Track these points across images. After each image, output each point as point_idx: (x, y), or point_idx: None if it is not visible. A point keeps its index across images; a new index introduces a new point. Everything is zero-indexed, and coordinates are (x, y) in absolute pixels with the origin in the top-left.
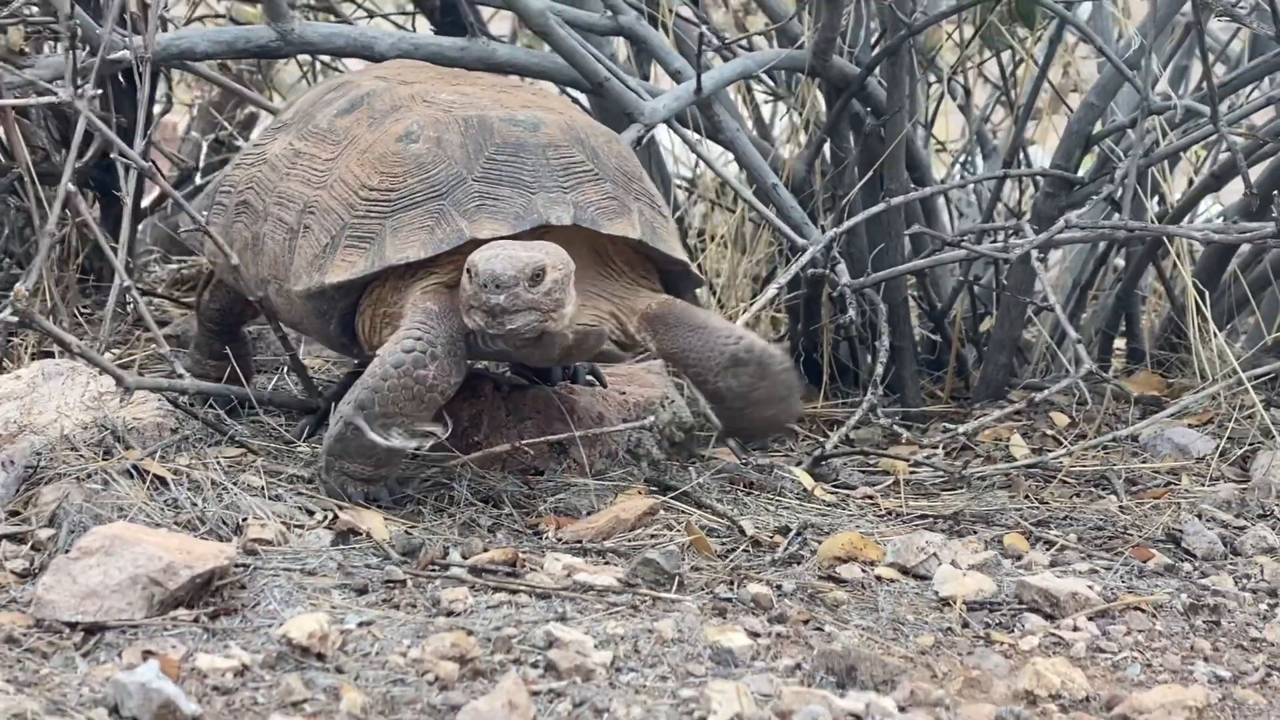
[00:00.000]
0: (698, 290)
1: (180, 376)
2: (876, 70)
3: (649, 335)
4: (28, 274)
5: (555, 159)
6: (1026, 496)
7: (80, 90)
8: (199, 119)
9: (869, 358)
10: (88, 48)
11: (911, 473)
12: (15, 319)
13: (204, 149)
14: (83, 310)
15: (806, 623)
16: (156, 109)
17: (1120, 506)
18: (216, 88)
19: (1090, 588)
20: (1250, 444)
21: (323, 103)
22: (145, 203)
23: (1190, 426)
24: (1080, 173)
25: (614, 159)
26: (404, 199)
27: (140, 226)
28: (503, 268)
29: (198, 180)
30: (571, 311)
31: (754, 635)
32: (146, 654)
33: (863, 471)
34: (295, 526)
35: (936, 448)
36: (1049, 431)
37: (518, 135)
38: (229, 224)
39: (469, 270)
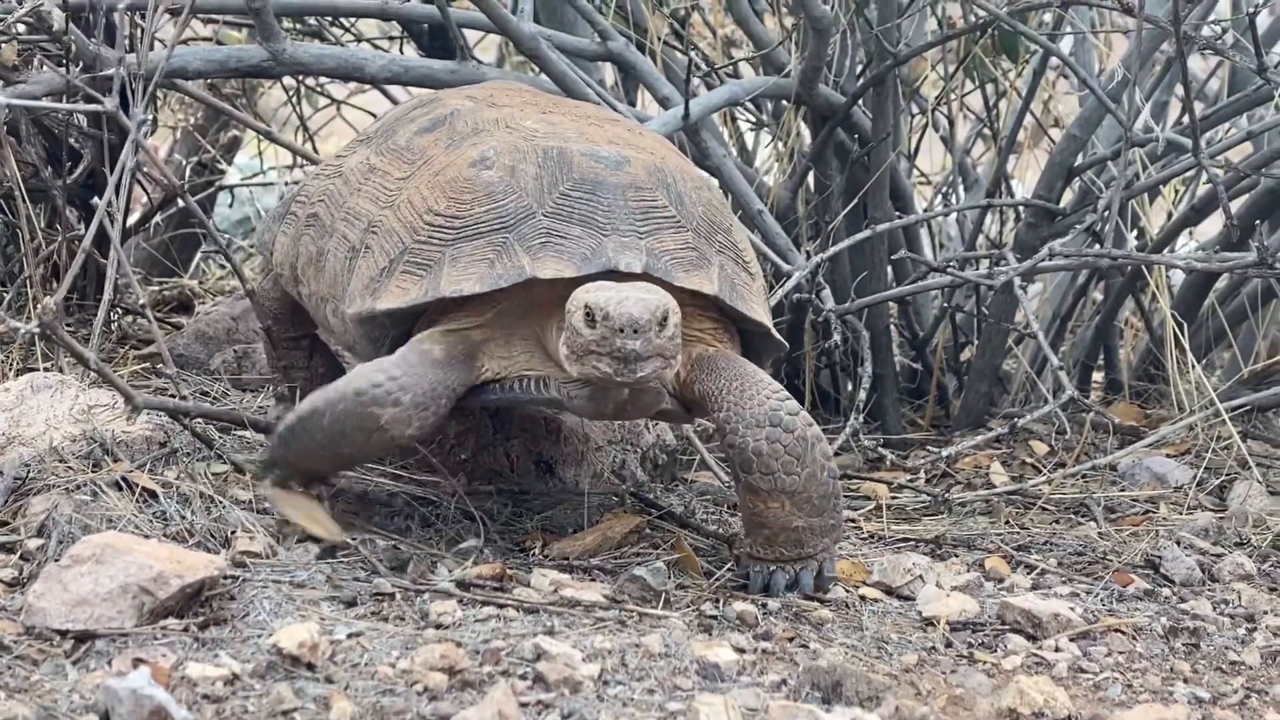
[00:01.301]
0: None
1: (184, 397)
2: (861, 100)
3: (695, 376)
4: (61, 284)
5: (635, 200)
6: (1007, 522)
7: (134, 109)
8: (182, 142)
9: (850, 385)
10: (81, 65)
11: (893, 498)
12: (39, 330)
13: (186, 172)
14: (67, 328)
15: (792, 640)
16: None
17: (1100, 533)
18: (198, 113)
19: (1072, 610)
20: (1227, 474)
21: (407, 119)
22: (129, 222)
23: (1168, 456)
24: (1061, 206)
25: (701, 207)
26: (468, 228)
27: (123, 257)
28: (639, 311)
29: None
30: (682, 359)
31: (740, 651)
32: (137, 661)
33: (845, 495)
34: (283, 540)
35: (918, 471)
36: (1028, 460)
37: (598, 172)
38: (298, 235)
39: (588, 312)
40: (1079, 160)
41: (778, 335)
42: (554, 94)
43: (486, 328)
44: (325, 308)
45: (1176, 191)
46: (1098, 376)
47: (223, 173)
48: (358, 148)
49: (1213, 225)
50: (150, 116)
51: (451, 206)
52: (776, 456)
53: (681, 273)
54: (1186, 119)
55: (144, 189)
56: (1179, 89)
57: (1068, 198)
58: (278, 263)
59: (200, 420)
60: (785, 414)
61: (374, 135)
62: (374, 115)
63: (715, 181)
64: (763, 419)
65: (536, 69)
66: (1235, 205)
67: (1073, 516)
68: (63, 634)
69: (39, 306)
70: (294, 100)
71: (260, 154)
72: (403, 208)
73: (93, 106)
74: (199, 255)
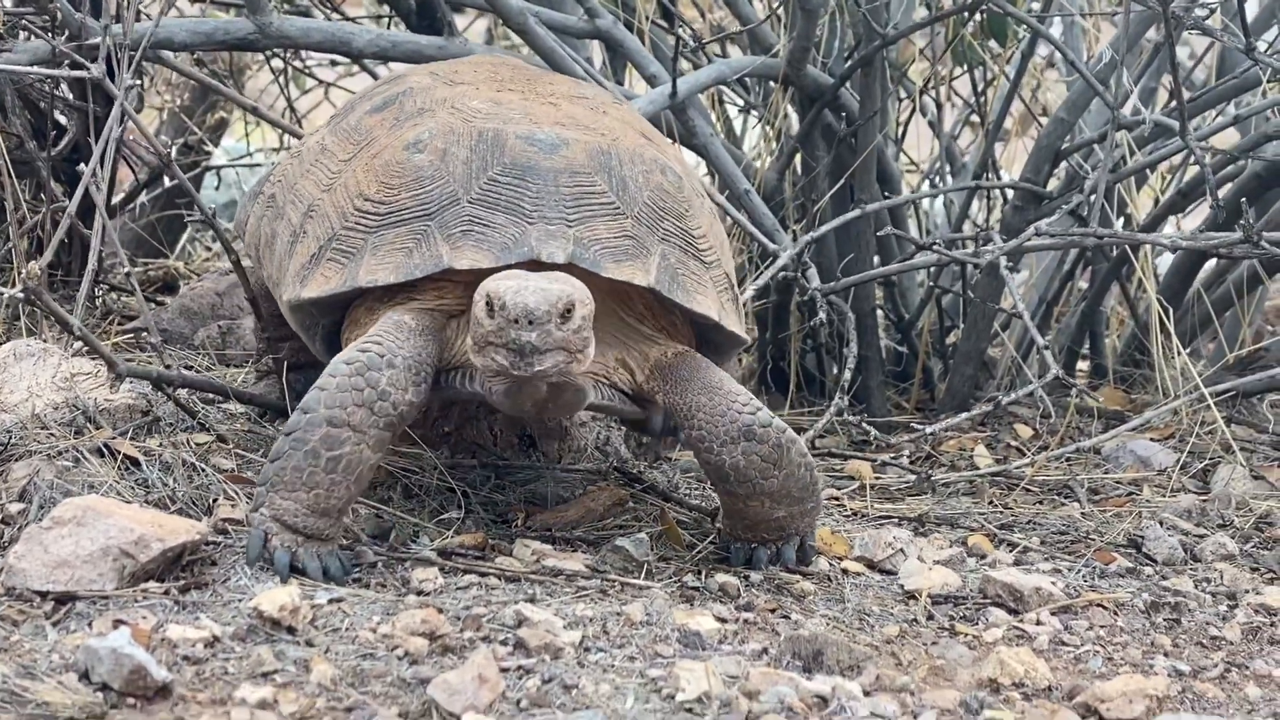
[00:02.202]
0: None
1: (168, 366)
2: (849, 81)
3: (658, 386)
4: (44, 253)
5: (568, 186)
6: (990, 502)
7: (120, 78)
8: (168, 123)
9: (835, 367)
10: (66, 34)
11: (876, 477)
12: (23, 296)
13: (173, 152)
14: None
15: (773, 611)
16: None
17: (1083, 513)
18: (185, 94)
19: (1054, 585)
20: (1211, 458)
21: (366, 96)
22: (115, 200)
23: (1152, 440)
24: (1048, 189)
25: (649, 191)
26: (392, 214)
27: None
28: (536, 301)
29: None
30: (593, 354)
31: (722, 621)
32: (117, 623)
33: (829, 475)
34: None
35: (903, 450)
36: (1012, 443)
37: (530, 156)
38: (260, 216)
39: (489, 302)
40: (1066, 144)
41: (732, 328)
42: (540, 70)
43: (438, 314)
44: (276, 291)
45: (1163, 178)
46: (1083, 365)
47: (209, 154)
48: (321, 128)
49: (1196, 219)
50: (137, 83)
51: (381, 191)
52: (754, 468)
53: (611, 263)
54: (1174, 102)
55: (130, 166)
56: (1166, 78)
57: (1055, 183)
58: (247, 243)
59: (183, 389)
60: (758, 427)
61: (338, 113)
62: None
63: (686, 164)
64: (736, 435)
65: (526, 47)
66: (1222, 191)
67: (1056, 497)
68: (43, 595)
69: (23, 273)
70: (281, 82)
71: (247, 136)
72: (338, 191)
73: (78, 73)
74: (185, 236)
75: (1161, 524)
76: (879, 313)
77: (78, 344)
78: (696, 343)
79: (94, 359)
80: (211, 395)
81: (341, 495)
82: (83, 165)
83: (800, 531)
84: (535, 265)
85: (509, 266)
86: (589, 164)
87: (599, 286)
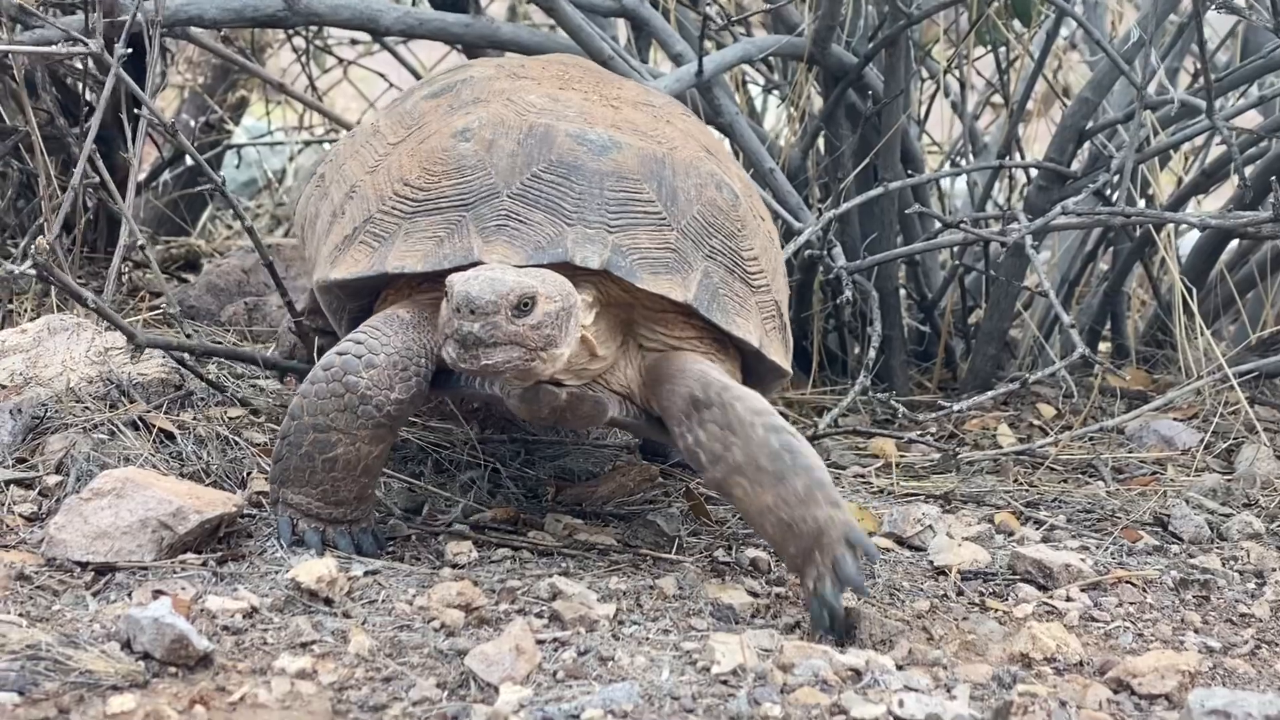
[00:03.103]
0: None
1: (189, 336)
2: (873, 61)
3: (649, 390)
4: (49, 226)
5: (613, 190)
6: (1015, 480)
7: (116, 50)
8: (189, 102)
9: (858, 346)
10: (98, 9)
11: (901, 455)
12: (34, 271)
13: (195, 132)
14: (78, 281)
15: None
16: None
17: (1108, 491)
18: (206, 73)
19: (1082, 561)
20: (1234, 438)
21: (428, 82)
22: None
23: (1175, 420)
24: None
25: (699, 205)
26: (430, 202)
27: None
28: (480, 290)
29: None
30: (567, 355)
31: (754, 595)
32: (157, 594)
33: (854, 452)
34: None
35: (928, 428)
36: (1035, 423)
37: (578, 155)
38: (309, 196)
39: (446, 292)
40: (1090, 124)
41: (773, 357)
42: (614, 75)
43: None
44: (314, 273)
45: (1186, 159)
46: (1104, 346)
47: (230, 133)
48: (381, 109)
49: (1218, 201)
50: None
51: (422, 177)
52: (714, 439)
53: (648, 274)
54: (1200, 81)
55: (155, 144)
56: (1189, 60)
57: (1077, 164)
58: (295, 223)
59: (205, 358)
60: (699, 391)
61: (398, 98)
62: (382, 76)
63: (750, 184)
64: (687, 408)
65: (552, 24)
66: (1248, 170)
67: (1080, 476)
68: (83, 566)
69: (33, 246)
70: (303, 60)
71: (268, 115)
72: (380, 174)
73: (76, 50)
74: (206, 214)
75: (1187, 503)
76: (902, 292)
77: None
78: (742, 376)
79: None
80: (241, 370)
81: (350, 488)
82: (131, 130)
83: (831, 545)
84: (569, 269)
85: (541, 267)
86: (639, 170)
87: (637, 299)
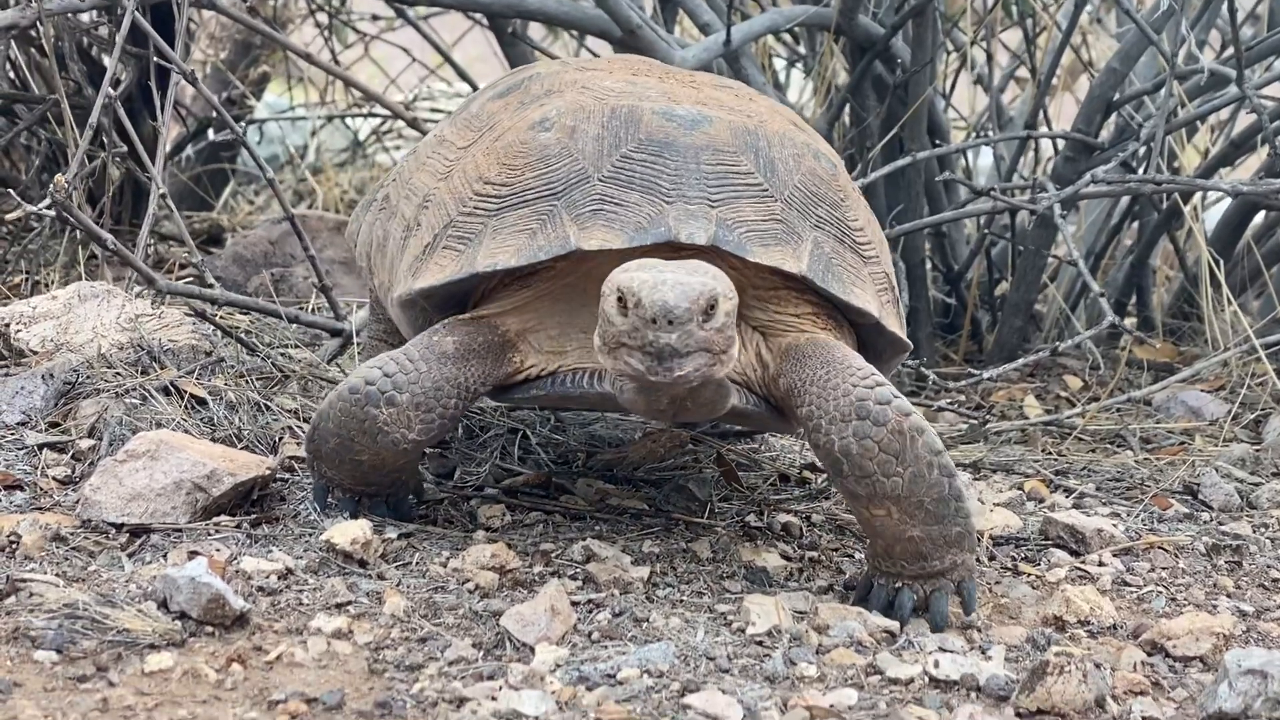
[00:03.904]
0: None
1: (210, 285)
2: (900, 32)
3: (781, 370)
4: (69, 169)
5: (710, 164)
6: (1044, 450)
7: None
8: (211, 78)
9: None
10: None
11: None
12: (52, 211)
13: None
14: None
15: (837, 550)
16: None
17: (1137, 461)
18: (228, 48)
19: (1114, 527)
20: (1262, 409)
21: (489, 87)
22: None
23: (1203, 392)
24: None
25: (800, 175)
26: (515, 196)
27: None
28: (676, 298)
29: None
30: (736, 354)
31: (786, 559)
32: (192, 554)
33: None
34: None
35: (956, 397)
36: (1062, 394)
37: (668, 131)
38: (373, 220)
39: (620, 298)
40: (1118, 95)
41: (894, 329)
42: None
43: (528, 314)
44: (387, 298)
45: (1212, 132)
46: (1129, 320)
47: (251, 109)
48: (441, 121)
49: (1245, 174)
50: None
51: (503, 174)
52: (869, 456)
53: (759, 247)
54: (1229, 51)
55: (180, 119)
56: (1214, 33)
57: (1104, 135)
58: (359, 254)
59: (229, 309)
60: (874, 404)
61: (458, 108)
62: (405, 51)
63: (837, 156)
64: (848, 413)
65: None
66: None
67: (1109, 446)
68: (118, 527)
69: (51, 185)
70: (326, 35)
71: (290, 90)
72: (455, 178)
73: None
74: (229, 189)
75: (1216, 471)
76: (928, 264)
77: (139, 285)
78: (858, 348)
79: (150, 298)
80: (270, 338)
81: (383, 477)
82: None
83: (951, 573)
84: (672, 250)
85: (644, 250)
86: (733, 142)
87: (746, 275)
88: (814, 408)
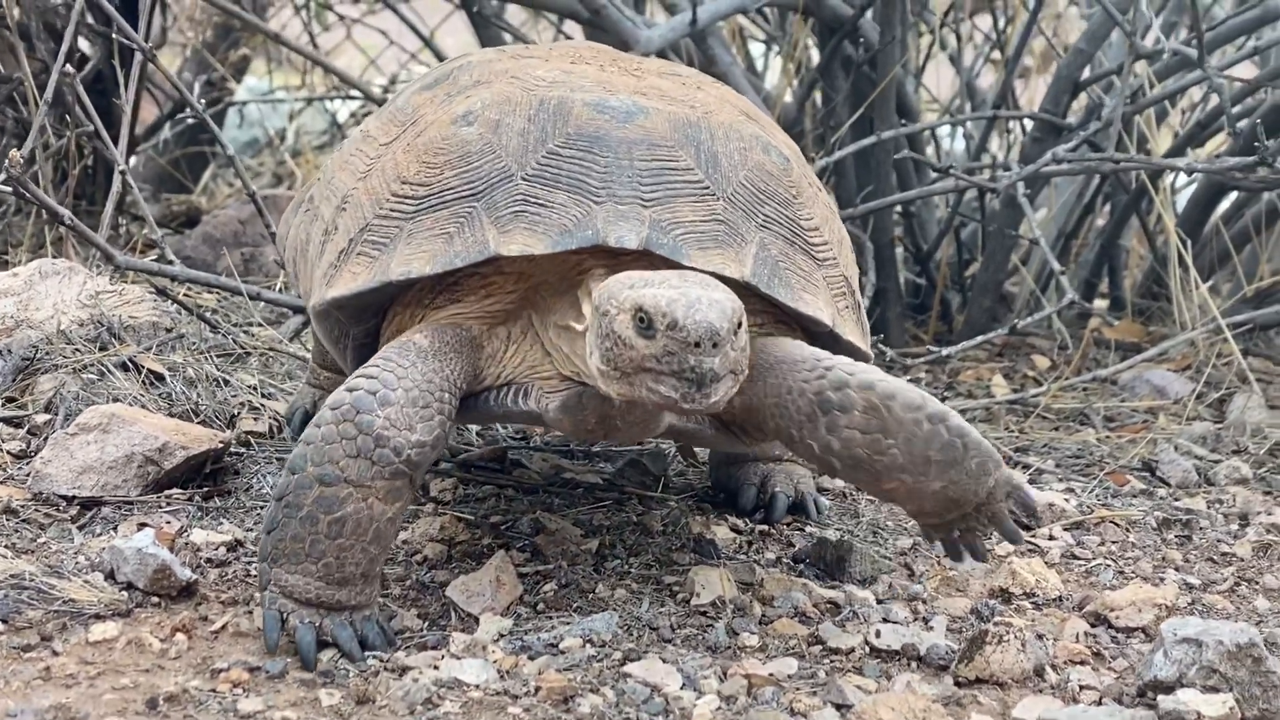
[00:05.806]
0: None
1: (170, 262)
2: (869, 11)
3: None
4: (28, 142)
5: (644, 160)
6: (1007, 428)
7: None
8: (191, 61)
9: None
10: None
11: None
12: (7, 186)
13: (196, 90)
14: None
15: (789, 524)
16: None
17: (1098, 438)
18: (208, 31)
19: (1067, 502)
20: (1227, 388)
21: (420, 78)
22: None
23: (1169, 371)
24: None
25: (746, 170)
26: (434, 196)
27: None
28: (717, 317)
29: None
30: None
31: (737, 531)
32: (141, 526)
33: None
34: (287, 422)
35: (917, 372)
36: (1029, 373)
37: (599, 125)
38: (298, 225)
39: (644, 318)
40: (1085, 75)
41: (850, 338)
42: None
43: (484, 320)
44: (309, 303)
45: (1184, 115)
46: (1100, 301)
47: (231, 92)
48: (369, 116)
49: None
50: (158, 30)
51: (422, 173)
52: (854, 444)
53: (696, 250)
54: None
55: (156, 101)
56: (1187, 18)
57: (1074, 118)
58: (287, 259)
59: (196, 288)
60: (832, 392)
61: (389, 99)
62: (384, 34)
63: (797, 150)
64: (812, 411)
65: None
66: (1242, 123)
67: (1072, 424)
68: (68, 500)
69: (6, 160)
70: (305, 18)
71: (270, 74)
72: (374, 177)
73: None
74: (208, 173)
75: (1176, 449)
76: (897, 245)
77: (101, 262)
78: None
79: (110, 274)
80: (235, 318)
81: (358, 560)
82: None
83: (998, 493)
84: (602, 252)
85: (569, 253)
86: (672, 135)
87: None
88: (781, 420)
